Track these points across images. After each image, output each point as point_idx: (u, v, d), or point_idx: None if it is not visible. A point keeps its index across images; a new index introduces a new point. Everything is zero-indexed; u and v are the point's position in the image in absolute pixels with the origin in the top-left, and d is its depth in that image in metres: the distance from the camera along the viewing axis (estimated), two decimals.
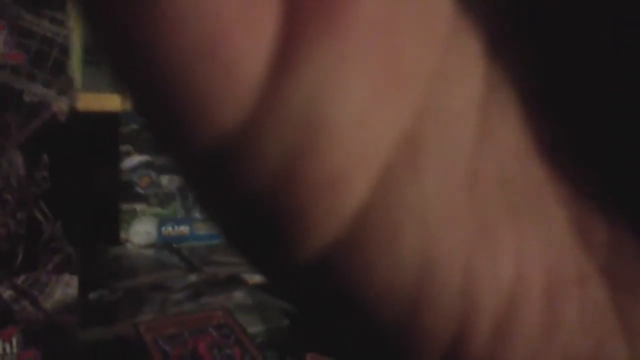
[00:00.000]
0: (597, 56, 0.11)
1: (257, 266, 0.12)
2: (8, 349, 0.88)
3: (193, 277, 1.12)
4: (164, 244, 1.22)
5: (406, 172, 0.11)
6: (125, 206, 1.20)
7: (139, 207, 1.21)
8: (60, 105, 0.90)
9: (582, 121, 0.12)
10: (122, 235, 1.20)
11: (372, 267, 0.11)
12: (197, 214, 1.23)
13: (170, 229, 1.22)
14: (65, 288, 0.93)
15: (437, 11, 0.11)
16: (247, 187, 0.10)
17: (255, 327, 0.99)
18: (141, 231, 1.21)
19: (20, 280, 0.91)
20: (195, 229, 1.24)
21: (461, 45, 0.11)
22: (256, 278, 1.09)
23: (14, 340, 0.89)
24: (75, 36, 0.92)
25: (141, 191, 1.21)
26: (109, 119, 1.09)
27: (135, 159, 1.19)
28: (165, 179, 1.21)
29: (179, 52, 0.10)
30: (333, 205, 0.10)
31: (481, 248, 0.11)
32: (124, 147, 1.18)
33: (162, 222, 1.22)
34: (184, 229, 1.23)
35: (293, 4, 0.10)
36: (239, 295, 1.07)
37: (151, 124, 0.10)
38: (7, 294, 0.90)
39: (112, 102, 1.07)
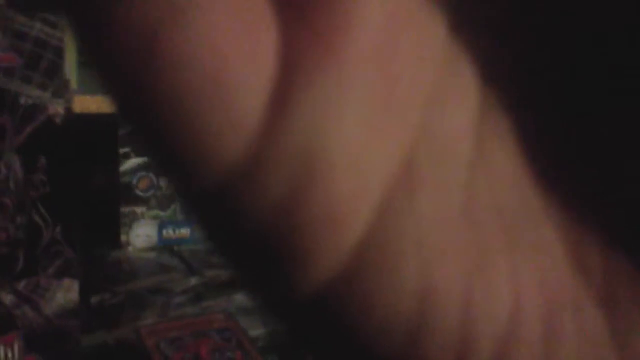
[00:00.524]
0: (595, 76, 0.11)
1: (261, 297, 0.11)
2: (10, 355, 0.88)
3: (194, 280, 1.12)
4: (165, 246, 1.22)
5: (404, 201, 0.11)
6: (125, 209, 1.20)
7: (139, 209, 1.20)
8: (57, 108, 0.90)
9: (577, 146, 0.11)
10: (123, 238, 1.20)
11: (374, 298, 0.11)
12: None
13: (170, 231, 1.22)
14: (66, 293, 0.93)
15: (430, 38, 0.11)
16: (249, 220, 0.10)
17: (256, 330, 0.99)
18: (142, 234, 1.20)
19: (21, 285, 0.90)
20: (196, 231, 1.23)
21: (456, 71, 0.11)
22: None
23: (16, 346, 0.89)
24: (69, 38, 0.92)
25: (141, 193, 1.20)
26: (106, 121, 1.09)
27: (134, 161, 1.19)
28: (164, 181, 1.21)
29: (179, 92, 0.10)
30: (334, 238, 0.10)
31: (479, 276, 0.11)
32: (123, 149, 1.18)
33: (162, 224, 1.22)
34: (184, 231, 1.23)
35: (289, 41, 0.10)
36: (240, 297, 1.07)
37: (156, 159, 0.11)
38: (8, 299, 0.90)
39: (109, 104, 1.06)
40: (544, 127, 0.11)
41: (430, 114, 0.11)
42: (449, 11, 0.11)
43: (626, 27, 0.11)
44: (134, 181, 1.19)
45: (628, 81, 0.11)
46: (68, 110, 0.91)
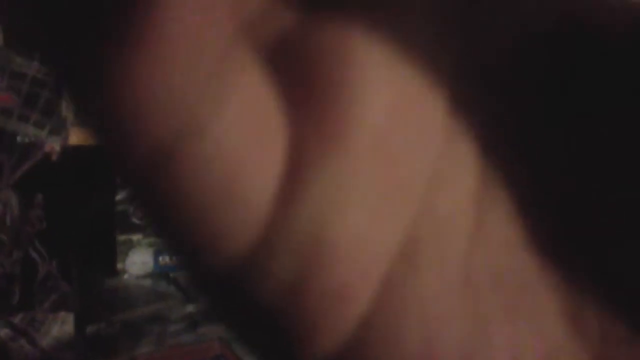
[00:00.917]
0: (591, 145, 0.12)
1: None
2: None
3: (190, 307, 1.12)
4: (161, 273, 1.21)
5: (406, 276, 0.11)
6: (121, 237, 1.19)
7: (135, 237, 1.20)
8: (53, 145, 0.90)
9: (574, 208, 0.12)
10: (119, 266, 1.19)
11: None
12: None
13: (167, 258, 1.22)
14: (61, 326, 0.93)
15: (430, 120, 0.11)
16: (259, 300, 0.11)
17: (252, 357, 0.99)
18: (138, 261, 1.20)
19: (17, 319, 0.90)
20: None
21: (456, 148, 0.12)
22: None
23: None
24: None
25: (137, 221, 1.20)
26: (102, 151, 1.09)
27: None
28: None
29: (193, 194, 0.10)
30: (339, 313, 0.11)
31: (479, 344, 0.11)
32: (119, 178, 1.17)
33: (158, 251, 1.22)
34: None
35: (296, 138, 0.11)
36: None
37: (173, 247, 0.11)
38: (4, 332, 0.90)
39: None
40: (541, 193, 0.12)
41: (430, 192, 0.11)
42: (447, 88, 0.11)
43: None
44: (130, 209, 1.19)
45: (628, 82, 0.11)
46: (64, 146, 0.91)
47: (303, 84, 0.11)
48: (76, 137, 1.01)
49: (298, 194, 0.11)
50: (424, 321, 0.11)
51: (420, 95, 0.11)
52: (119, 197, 1.18)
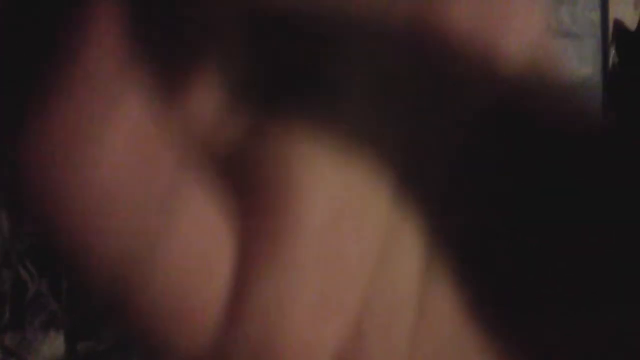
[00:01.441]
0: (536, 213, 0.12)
1: None
2: None
3: None
4: None
5: (353, 355, 0.12)
6: None
7: None
8: None
9: (515, 279, 0.12)
10: None
11: None
12: None
13: None
14: (51, 345, 0.93)
15: (376, 207, 0.12)
16: None
17: None
18: None
19: (7, 338, 0.90)
20: None
21: (400, 231, 0.12)
22: None
23: None
24: None
25: None
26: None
27: None
28: None
29: (146, 308, 0.11)
30: None
31: None
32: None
33: None
34: None
35: (243, 248, 0.11)
36: None
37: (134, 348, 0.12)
38: None
39: None
40: (483, 264, 0.12)
41: (376, 276, 0.12)
42: (391, 176, 0.12)
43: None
44: None
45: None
46: None
47: (249, 192, 0.11)
48: None
49: (246, 303, 0.11)
50: None
51: (364, 186, 0.12)
52: None
